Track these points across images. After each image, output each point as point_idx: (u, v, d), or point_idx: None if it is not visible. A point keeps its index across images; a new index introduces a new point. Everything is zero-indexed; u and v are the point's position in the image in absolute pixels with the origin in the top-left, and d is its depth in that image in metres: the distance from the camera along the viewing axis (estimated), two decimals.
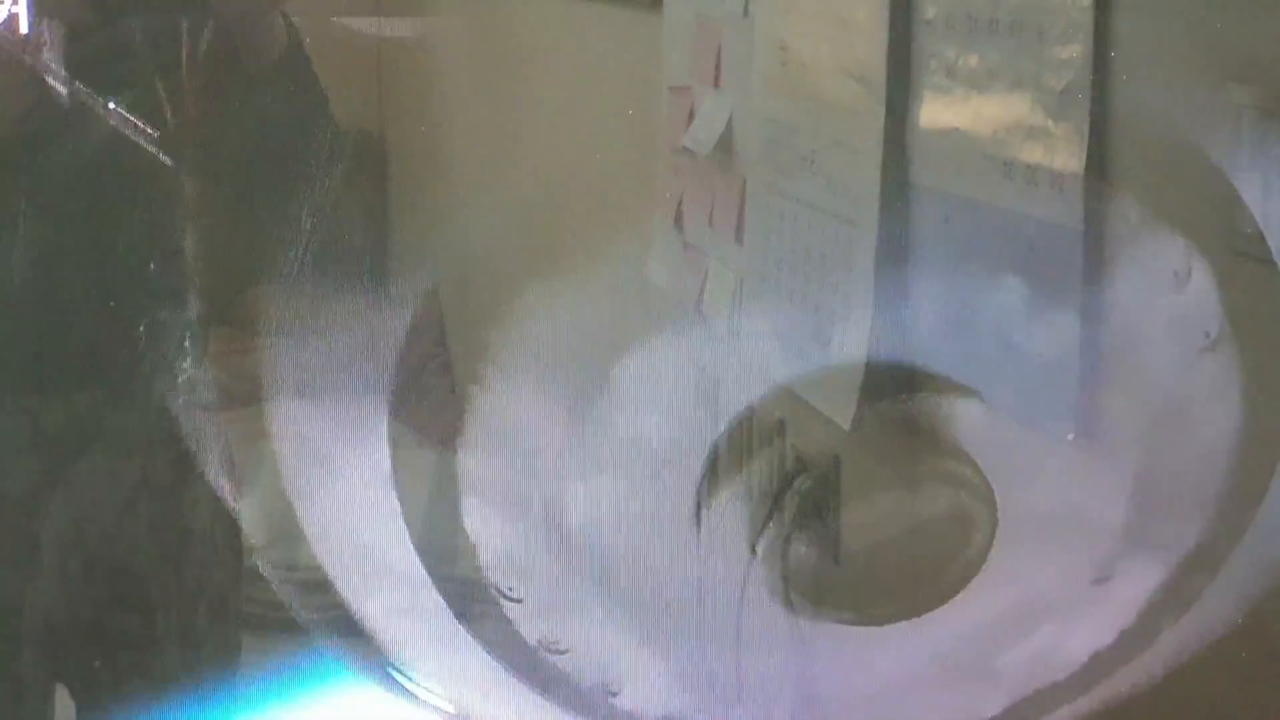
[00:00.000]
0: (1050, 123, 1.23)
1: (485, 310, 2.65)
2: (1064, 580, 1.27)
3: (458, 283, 2.83)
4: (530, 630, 1.97)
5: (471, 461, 2.39)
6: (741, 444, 1.75)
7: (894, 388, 1.45)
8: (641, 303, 1.99)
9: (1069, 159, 1.21)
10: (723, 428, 1.81)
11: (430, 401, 2.77)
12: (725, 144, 1.72)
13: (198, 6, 1.20)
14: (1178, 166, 1.13)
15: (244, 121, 1.29)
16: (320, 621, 2.00)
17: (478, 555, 2.05)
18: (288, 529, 2.09)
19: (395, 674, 1.86)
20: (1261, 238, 1.06)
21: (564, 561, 2.15)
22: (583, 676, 1.91)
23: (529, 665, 1.89)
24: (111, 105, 1.26)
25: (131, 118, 1.28)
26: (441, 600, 2.01)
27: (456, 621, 1.97)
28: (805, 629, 1.62)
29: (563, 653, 1.91)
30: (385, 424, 2.63)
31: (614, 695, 1.80)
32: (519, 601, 1.86)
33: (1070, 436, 1.22)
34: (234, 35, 1.24)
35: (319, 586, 2.02)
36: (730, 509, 1.81)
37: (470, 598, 2.02)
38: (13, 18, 1.15)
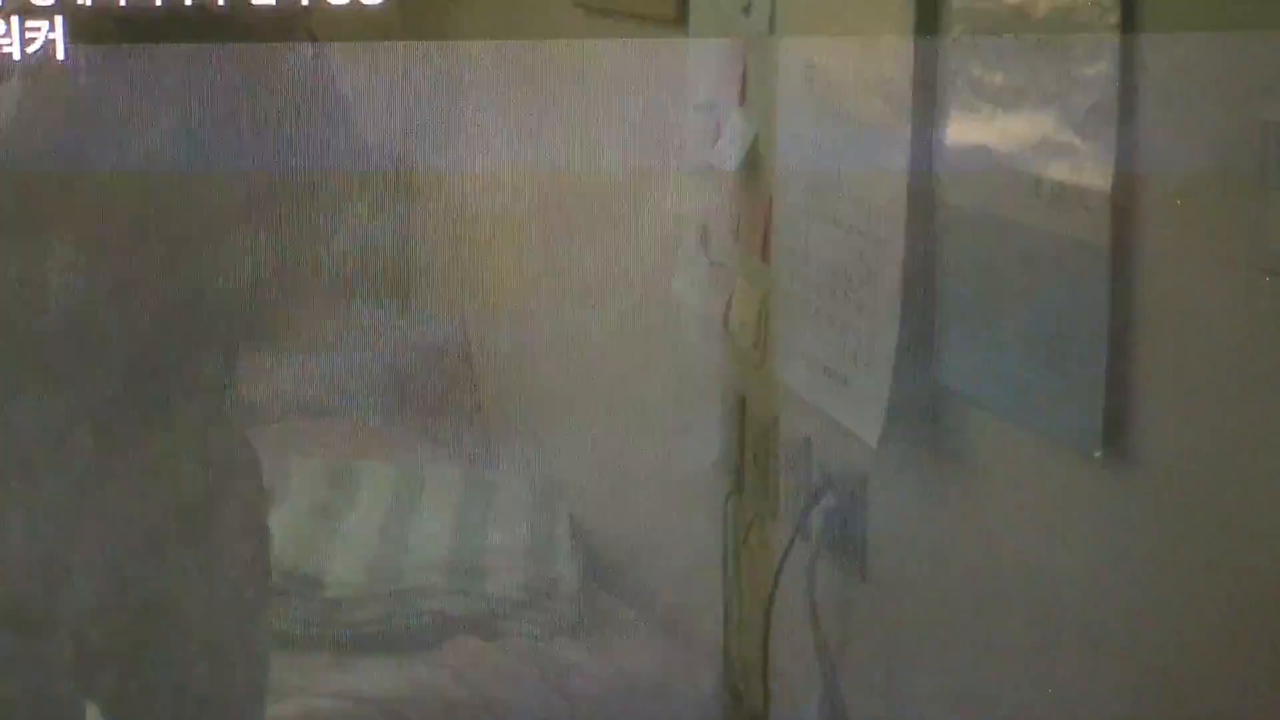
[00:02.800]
0: (1077, 140, 1.23)
1: (510, 328, 2.66)
2: None
3: (482, 300, 2.84)
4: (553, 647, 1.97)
5: (498, 479, 2.39)
6: (768, 462, 1.75)
7: (921, 406, 1.45)
8: (667, 321, 1.99)
9: (1096, 177, 1.21)
10: (749, 446, 1.81)
11: (456, 419, 2.77)
12: (751, 162, 1.72)
13: (227, 27, 1.20)
14: (1206, 184, 1.13)
15: (271, 140, 1.29)
16: (350, 638, 2.01)
17: (505, 571, 2.06)
18: (316, 546, 2.09)
19: None
20: None
21: (590, 579, 2.15)
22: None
23: (555, 683, 1.90)
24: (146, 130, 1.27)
25: (161, 138, 1.29)
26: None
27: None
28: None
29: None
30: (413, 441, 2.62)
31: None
32: None
33: (1097, 454, 1.22)
34: (262, 54, 1.24)
35: (348, 603, 2.03)
36: (756, 527, 1.81)
37: (497, 614, 2.03)
38: (49, 44, 1.15)
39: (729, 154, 1.75)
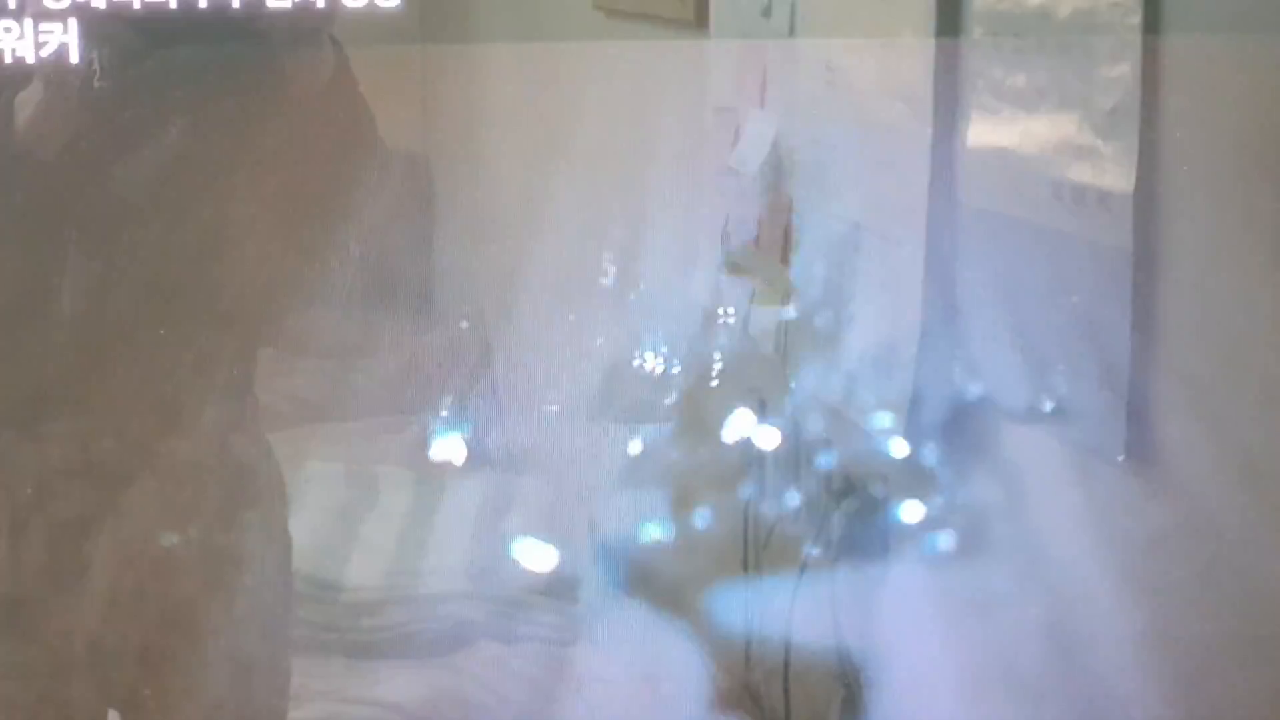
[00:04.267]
0: (1099, 142, 1.22)
1: (531, 332, 2.66)
2: None
3: (503, 305, 2.84)
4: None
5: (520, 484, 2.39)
6: (790, 465, 1.75)
7: (943, 409, 1.44)
8: (689, 325, 1.99)
9: (1118, 179, 1.20)
10: (771, 449, 1.80)
11: (476, 423, 2.77)
12: (771, 165, 1.72)
13: (247, 27, 1.20)
14: (1228, 185, 1.13)
15: (292, 142, 1.29)
16: (369, 643, 2.01)
17: (524, 576, 2.06)
18: (336, 551, 2.10)
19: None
20: None
21: (609, 583, 2.15)
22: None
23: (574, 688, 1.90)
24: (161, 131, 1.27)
25: (180, 143, 1.29)
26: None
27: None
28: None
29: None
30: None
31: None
32: None
33: (1120, 458, 1.21)
34: (282, 55, 1.24)
35: (367, 608, 2.03)
36: (779, 530, 1.81)
37: (517, 618, 2.03)
38: (63, 47, 1.15)
39: (749, 157, 1.75)
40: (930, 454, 1.47)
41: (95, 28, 1.16)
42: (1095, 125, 1.23)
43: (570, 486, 2.38)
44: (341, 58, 1.27)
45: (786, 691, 1.73)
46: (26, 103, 1.21)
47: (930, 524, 1.51)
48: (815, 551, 1.65)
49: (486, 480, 2.40)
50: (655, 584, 2.16)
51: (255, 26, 1.20)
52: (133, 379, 1.33)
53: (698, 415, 2.02)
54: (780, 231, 1.70)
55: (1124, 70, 1.19)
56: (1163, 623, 1.21)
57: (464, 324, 2.85)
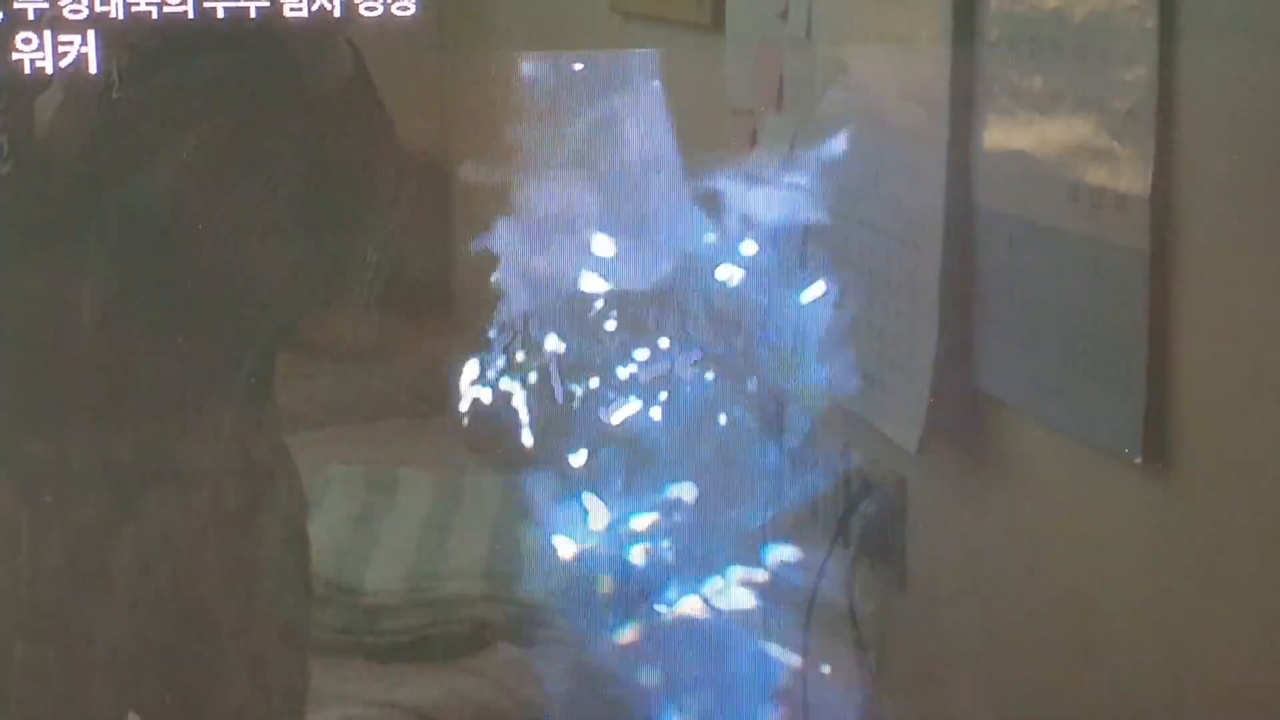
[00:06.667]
0: (1115, 145, 1.22)
1: (544, 330, 2.66)
2: None
3: (517, 305, 2.84)
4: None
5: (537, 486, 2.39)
6: (807, 468, 1.75)
7: (960, 411, 1.44)
8: (708, 325, 1.99)
9: (1134, 181, 1.20)
10: (788, 452, 1.80)
11: (497, 426, 2.77)
12: (788, 167, 1.71)
13: (265, 35, 1.20)
14: (1244, 187, 1.13)
15: (310, 148, 1.30)
16: (388, 645, 2.01)
17: (544, 578, 2.06)
18: (356, 554, 2.10)
19: None
20: None
21: (625, 588, 2.15)
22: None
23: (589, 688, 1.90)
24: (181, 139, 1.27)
25: (198, 150, 1.29)
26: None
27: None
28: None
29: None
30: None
31: None
32: None
33: (1137, 460, 1.21)
34: (300, 62, 1.24)
35: (387, 611, 2.03)
36: (796, 533, 1.81)
37: (533, 621, 2.03)
38: (82, 57, 1.16)
39: (766, 159, 1.75)
40: (948, 456, 1.47)
41: (114, 38, 1.17)
42: (1111, 128, 1.23)
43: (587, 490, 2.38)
44: (360, 64, 1.28)
45: (804, 694, 1.73)
46: (45, 112, 1.21)
47: (948, 527, 1.52)
48: (833, 554, 1.65)
49: (505, 482, 2.40)
50: (672, 585, 2.17)
51: (273, 34, 1.21)
52: (152, 383, 1.34)
53: (710, 407, 2.02)
54: (798, 233, 1.70)
55: (1140, 73, 1.19)
56: (1179, 623, 1.21)
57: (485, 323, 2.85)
